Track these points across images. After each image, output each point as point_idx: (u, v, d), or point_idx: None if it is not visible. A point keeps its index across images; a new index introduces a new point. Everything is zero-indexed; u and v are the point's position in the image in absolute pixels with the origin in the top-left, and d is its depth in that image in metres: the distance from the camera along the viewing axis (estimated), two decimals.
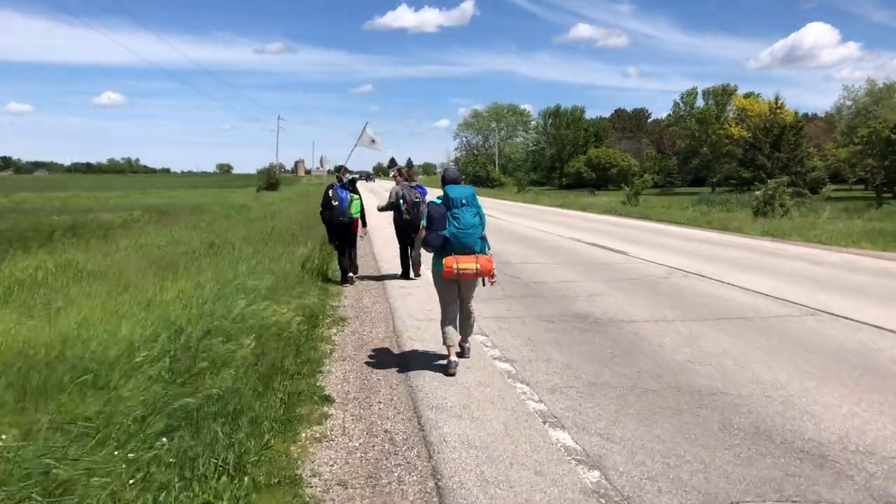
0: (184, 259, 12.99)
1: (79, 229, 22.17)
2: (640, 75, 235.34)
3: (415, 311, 8.65)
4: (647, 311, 8.44)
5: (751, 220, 24.92)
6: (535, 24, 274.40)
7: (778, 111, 62.35)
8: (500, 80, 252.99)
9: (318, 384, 5.66)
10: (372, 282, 11.13)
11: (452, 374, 5.87)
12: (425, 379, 5.80)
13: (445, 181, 6.09)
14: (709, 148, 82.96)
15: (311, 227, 18.54)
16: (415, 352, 6.69)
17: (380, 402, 5.28)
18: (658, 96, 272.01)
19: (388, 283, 10.98)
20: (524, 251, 14.98)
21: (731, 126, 76.70)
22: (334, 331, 7.63)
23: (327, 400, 5.29)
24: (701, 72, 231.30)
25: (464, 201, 5.80)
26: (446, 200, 5.85)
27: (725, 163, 78.48)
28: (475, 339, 6.99)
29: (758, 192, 31.89)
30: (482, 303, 8.86)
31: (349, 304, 9.27)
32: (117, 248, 18.52)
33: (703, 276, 11.19)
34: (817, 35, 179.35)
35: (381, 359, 6.49)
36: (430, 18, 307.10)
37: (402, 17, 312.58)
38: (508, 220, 26.07)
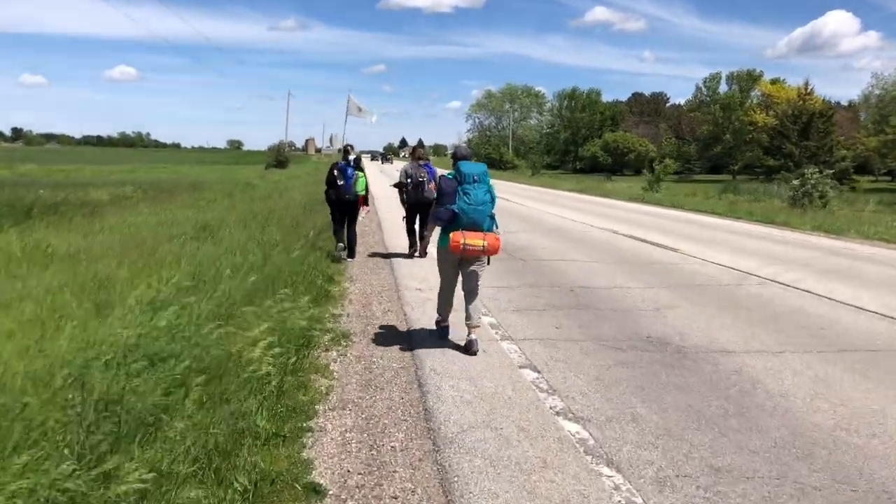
0: (167, 244, 11.24)
1: (63, 206, 20.37)
2: (654, 60, 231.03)
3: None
4: (737, 334, 6.54)
5: (790, 211, 22.95)
6: (552, 6, 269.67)
7: (807, 97, 59.77)
8: (514, 63, 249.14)
9: (303, 457, 3.81)
10: (382, 279, 9.27)
11: (446, 337, 6.19)
12: (462, 450, 3.93)
13: (457, 157, 6.06)
14: (731, 135, 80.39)
15: (316, 211, 16.71)
16: (444, 397, 4.82)
17: (395, 499, 3.43)
18: (672, 82, 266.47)
19: (402, 281, 9.12)
20: (555, 244, 13.07)
21: (755, 112, 74.13)
22: (334, 355, 5.77)
23: (316, 492, 3.43)
24: (717, 58, 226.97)
25: (475, 177, 5.75)
26: (458, 175, 5.77)
27: (748, 150, 76.11)
28: (525, 380, 5.14)
29: (795, 182, 29.94)
30: (521, 314, 7.02)
31: (354, 311, 7.42)
32: (101, 229, 16.72)
33: (782, 283, 9.26)
34: (837, 23, 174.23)
35: (398, 408, 4.62)
36: None
37: None
38: (528, 205, 24.13)
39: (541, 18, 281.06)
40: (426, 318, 7.02)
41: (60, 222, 17.84)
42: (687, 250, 12.39)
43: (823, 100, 66.67)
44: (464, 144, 6.38)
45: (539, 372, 5.33)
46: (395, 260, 10.91)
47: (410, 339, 6.27)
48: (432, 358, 5.68)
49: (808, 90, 60.98)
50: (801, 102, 59.48)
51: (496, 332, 6.49)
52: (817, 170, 30.72)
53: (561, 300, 7.99)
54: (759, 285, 9.13)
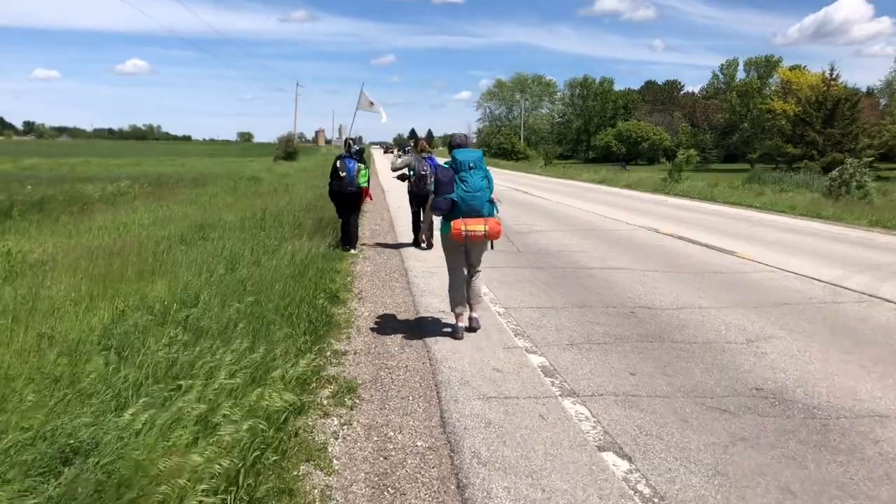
0: (153, 250, 9.79)
1: (51, 203, 18.81)
2: (664, 49, 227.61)
3: (472, 370, 5.16)
4: (880, 384, 4.86)
5: (835, 204, 21.17)
6: None
7: (832, 83, 57.46)
8: (523, 53, 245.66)
9: None
10: (396, 296, 7.66)
11: (459, 338, 5.90)
12: None
13: (452, 146, 6.05)
14: (749, 122, 78.10)
15: (321, 207, 15.16)
16: (496, 495, 3.21)
17: None
18: (682, 70, 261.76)
19: (421, 300, 7.51)
20: (594, 247, 11.40)
21: (774, 100, 71.71)
22: (334, 424, 4.16)
23: None
24: (727, 46, 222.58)
25: (471, 164, 5.76)
26: (454, 164, 5.80)
27: (767, 138, 73.84)
28: (613, 476, 3.50)
29: (833, 172, 28.10)
30: (578, 351, 5.37)
31: (364, 345, 5.81)
32: (89, 229, 15.19)
33: (889, 300, 7.58)
34: (850, 9, 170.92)
35: None
36: None
37: None
38: (551, 199, 22.42)
39: (550, 8, 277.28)
40: (458, 360, 5.40)
41: (45, 222, 16.37)
42: (746, 253, 10.70)
43: (844, 86, 64.28)
44: (460, 132, 6.45)
45: (630, 459, 3.69)
46: (410, 270, 9.30)
47: (439, 395, 4.65)
48: (472, 431, 4.05)
49: (834, 75, 58.59)
50: (825, 88, 57.18)
51: (553, 383, 4.86)
52: (856, 158, 28.91)
53: (623, 327, 6.35)
54: (861, 303, 7.45)
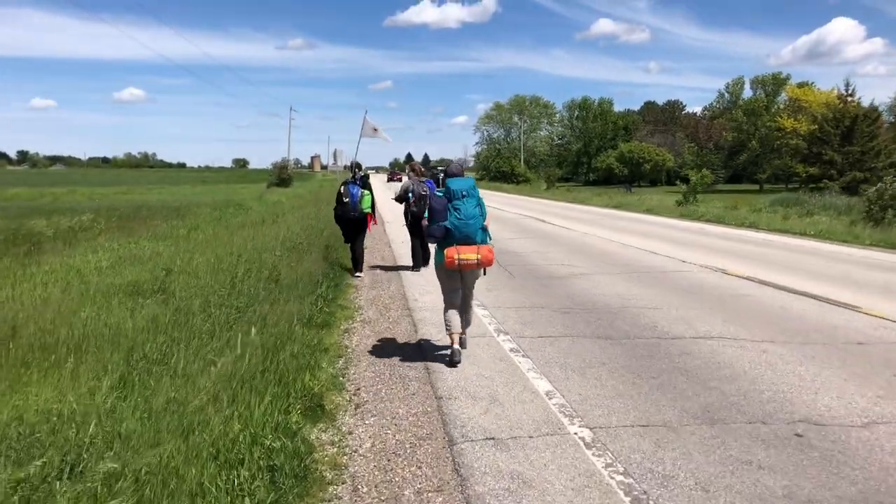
0: (71, 317, 7.23)
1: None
2: (659, 71, 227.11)
3: None
4: None
5: (873, 229, 18.58)
6: (557, 19, 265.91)
7: (850, 98, 55.23)
8: (519, 77, 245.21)
9: None
10: (411, 400, 5.00)
11: (456, 363, 5.86)
12: None
13: (447, 175, 6.10)
14: (758, 142, 75.81)
15: (313, 245, 12.53)
16: None
17: None
18: (676, 92, 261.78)
19: (451, 406, 4.85)
20: (665, 300, 8.71)
21: (783, 118, 69.43)
22: None
23: None
24: (720, 67, 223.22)
25: (464, 193, 5.78)
26: (447, 192, 5.82)
27: (776, 158, 71.63)
28: None
29: (869, 192, 25.50)
30: None
31: None
32: (30, 276, 12.49)
33: None
34: (843, 30, 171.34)
35: None
36: (452, 14, 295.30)
37: (424, 13, 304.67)
38: (575, 228, 19.75)
39: (546, 32, 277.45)
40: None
41: None
42: (875, 309, 8.04)
43: (858, 102, 62.09)
44: (455, 162, 6.39)
45: None
46: (427, 344, 6.62)
47: None
48: None
49: (850, 91, 56.32)
50: (841, 105, 54.93)
51: None
52: (893, 177, 26.40)
53: (807, 478, 3.66)
54: None
